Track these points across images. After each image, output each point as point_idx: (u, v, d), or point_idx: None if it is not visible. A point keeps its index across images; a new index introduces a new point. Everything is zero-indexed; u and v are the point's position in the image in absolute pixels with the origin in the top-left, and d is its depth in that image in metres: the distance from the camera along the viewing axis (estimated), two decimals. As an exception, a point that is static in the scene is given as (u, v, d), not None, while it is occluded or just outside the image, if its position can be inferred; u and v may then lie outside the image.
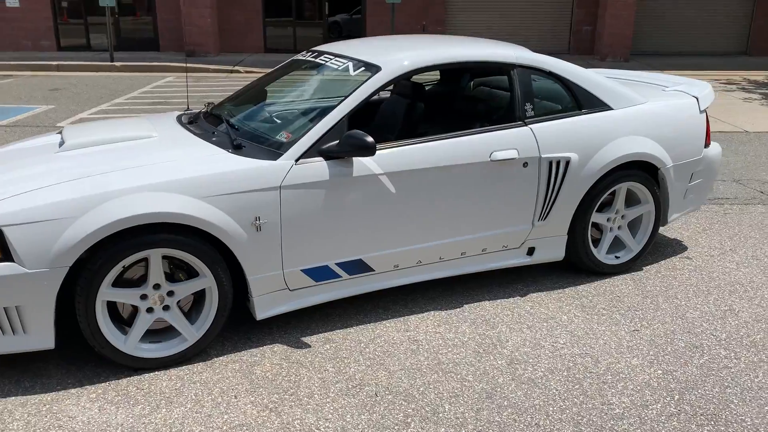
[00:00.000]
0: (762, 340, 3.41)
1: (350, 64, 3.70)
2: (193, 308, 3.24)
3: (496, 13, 16.92)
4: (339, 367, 3.13)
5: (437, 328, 3.50)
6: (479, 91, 4.51)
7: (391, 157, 3.38)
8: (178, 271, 3.13)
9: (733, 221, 5.18)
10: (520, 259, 3.93)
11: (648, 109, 4.09)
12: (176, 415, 2.77)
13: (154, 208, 2.88)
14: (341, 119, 3.32)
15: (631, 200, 4.22)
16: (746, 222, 5.17)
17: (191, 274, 3.14)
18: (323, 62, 3.90)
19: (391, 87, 4.16)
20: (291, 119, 3.46)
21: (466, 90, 4.62)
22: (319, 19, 16.61)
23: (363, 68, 3.59)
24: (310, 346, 3.31)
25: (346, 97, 3.40)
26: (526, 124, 3.73)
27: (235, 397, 2.89)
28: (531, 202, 3.77)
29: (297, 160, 3.21)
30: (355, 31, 16.83)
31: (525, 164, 3.69)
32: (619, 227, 4.19)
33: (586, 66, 14.61)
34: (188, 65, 13.79)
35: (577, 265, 4.15)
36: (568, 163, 3.78)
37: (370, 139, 3.19)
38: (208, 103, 4.17)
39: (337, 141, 3.25)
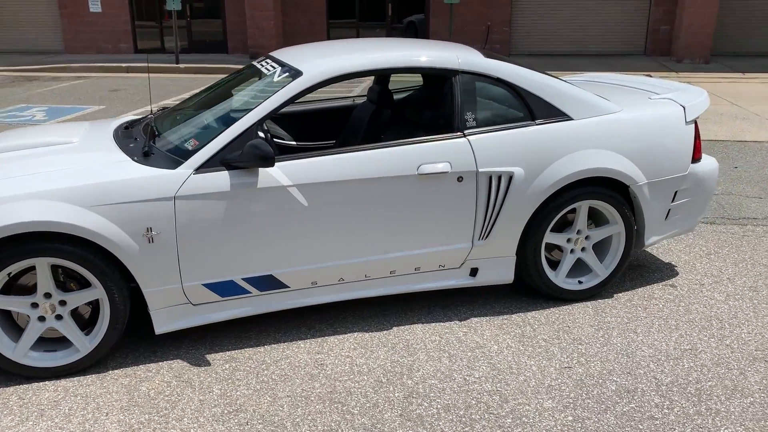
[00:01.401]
0: (710, 389, 2.97)
1: (279, 70, 3.54)
2: (93, 319, 3.18)
3: (566, 13, 16.21)
4: (226, 390, 2.98)
5: (351, 352, 3.27)
6: (429, 99, 4.24)
7: (303, 169, 3.20)
8: (70, 281, 3.09)
9: (748, 245, 4.61)
10: (462, 281, 3.63)
11: (617, 119, 3.68)
12: (39, 430, 2.71)
13: (36, 216, 2.83)
14: (249, 128, 3.17)
15: (601, 220, 3.82)
16: (764, 247, 4.59)
17: (84, 284, 3.08)
18: (262, 68, 3.76)
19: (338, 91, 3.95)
20: (204, 127, 3.34)
21: (417, 97, 4.36)
22: (382, 20, 16.52)
23: (287, 74, 3.42)
24: (209, 365, 3.18)
25: (257, 105, 3.24)
26: (464, 136, 3.44)
27: (106, 415, 2.80)
28: (469, 219, 3.47)
29: (197, 170, 3.08)
30: (422, 32, 16.61)
31: (460, 179, 3.40)
32: (582, 249, 3.80)
33: (660, 68, 13.73)
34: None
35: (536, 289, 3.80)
36: (511, 178, 3.45)
37: (269, 149, 3.02)
38: (162, 108, 4.13)
39: (240, 151, 3.11)
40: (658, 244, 4.63)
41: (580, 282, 3.82)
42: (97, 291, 3.03)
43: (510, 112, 3.58)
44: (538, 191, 3.49)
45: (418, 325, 3.54)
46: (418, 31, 16.51)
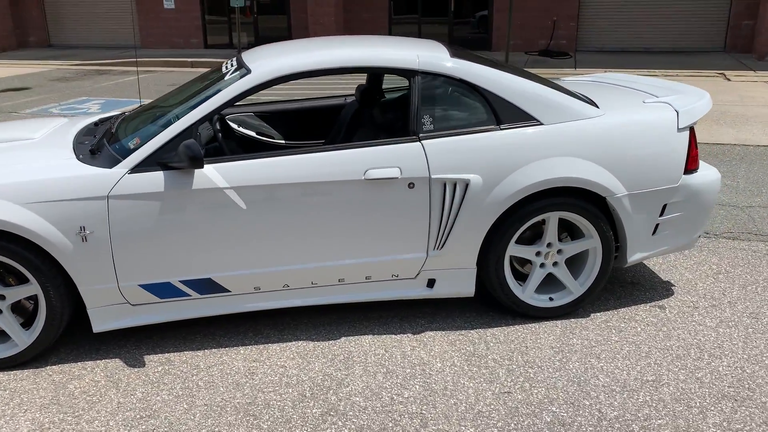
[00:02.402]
0: (657, 428, 2.66)
1: (232, 69, 3.47)
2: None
3: (639, 7, 15.39)
4: (148, 394, 2.94)
5: (288, 362, 3.17)
6: (395, 100, 4.07)
7: (242, 171, 3.11)
8: (9, 276, 3.13)
9: (767, 266, 4.17)
10: (419, 291, 3.44)
11: (594, 124, 3.38)
12: (-42, 422, 2.76)
13: (-32, 212, 2.89)
14: (187, 128, 3.11)
15: (579, 233, 3.54)
16: (783, 267, 4.14)
17: (23, 279, 3.12)
18: (224, 66, 3.70)
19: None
20: (151, 127, 3.31)
21: (392, 98, 4.19)
22: (445, 15, 16.24)
23: (237, 73, 3.34)
24: (144, 366, 3.16)
25: (198, 105, 3.18)
26: (419, 140, 3.25)
27: (24, 411, 2.82)
28: (422, 228, 3.29)
29: (133, 170, 3.06)
30: (486, 27, 16.23)
31: (411, 185, 3.22)
32: (554, 264, 3.53)
33: (738, 66, 12.82)
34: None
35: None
36: (467, 185, 3.24)
37: (198, 150, 2.96)
38: (139, 106, 4.15)
39: (175, 151, 3.06)
40: (658, 259, 4.27)
41: (551, 299, 3.55)
42: (33, 287, 3.06)
43: (473, 116, 3.35)
44: (497, 201, 3.26)
45: (368, 336, 3.39)
46: (489, 26, 16.11)
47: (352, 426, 2.70)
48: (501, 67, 3.58)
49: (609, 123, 3.40)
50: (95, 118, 4.01)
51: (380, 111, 3.92)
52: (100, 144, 3.32)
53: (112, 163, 3.10)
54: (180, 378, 3.05)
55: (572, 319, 3.54)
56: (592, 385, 2.95)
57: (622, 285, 3.95)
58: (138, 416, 2.78)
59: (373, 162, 3.19)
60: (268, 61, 3.30)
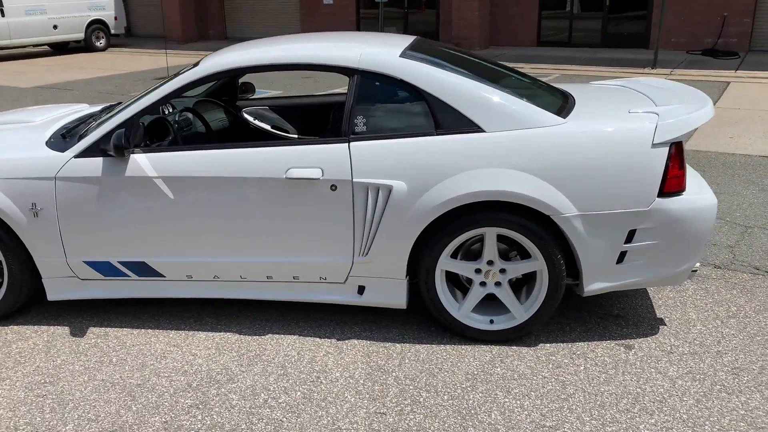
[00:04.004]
0: (508, 478, 2.36)
1: (192, 65, 3.59)
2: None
3: (832, 1, 13.26)
4: (65, 362, 3.17)
5: (202, 351, 3.24)
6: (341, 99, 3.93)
7: (171, 162, 3.23)
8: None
9: (803, 313, 3.48)
10: (349, 297, 3.34)
11: (545, 135, 3.03)
12: None
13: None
14: (129, 118, 3.28)
15: (526, 253, 3.21)
16: (822, 318, 3.42)
17: (-8, 248, 3.51)
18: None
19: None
20: (111, 115, 3.52)
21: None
22: (599, 10, 15.22)
23: (188, 68, 3.46)
24: (82, 337, 3.41)
25: (143, 96, 3.34)
26: (348, 141, 3.14)
27: (-37, 362, 3.19)
28: (346, 232, 3.18)
29: (79, 155, 3.30)
30: (642, 23, 14.97)
31: (333, 187, 3.12)
32: (497, 284, 3.23)
33: None
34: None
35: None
36: (390, 192, 3.07)
37: (118, 142, 3.12)
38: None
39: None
40: (667, 292, 3.72)
41: (491, 321, 3.26)
42: (-3, 255, 3.44)
43: (411, 120, 3.17)
44: (423, 210, 3.06)
45: (293, 337, 3.36)
46: (648, 23, 14.82)
47: (208, 422, 2.71)
48: (467, 66, 3.36)
49: (564, 134, 3.03)
50: (104, 105, 4.36)
51: (335, 109, 3.85)
52: (75, 130, 3.62)
53: (66, 147, 3.37)
54: (101, 352, 3.26)
55: (513, 347, 3.22)
56: (477, 421, 2.68)
57: (602, 317, 3.51)
58: (42, 381, 3.02)
59: (295, 161, 3.14)
60: (217, 57, 3.38)
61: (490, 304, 3.33)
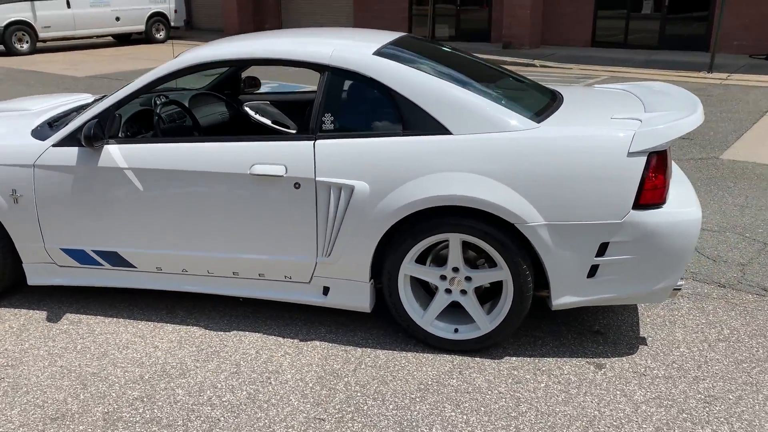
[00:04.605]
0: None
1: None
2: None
3: None
4: (32, 346, 3.24)
5: (164, 344, 3.25)
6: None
7: (140, 154, 3.25)
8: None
9: (802, 340, 3.22)
10: (313, 298, 3.28)
11: (514, 139, 2.90)
12: None
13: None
14: (104, 110, 3.31)
15: (492, 262, 3.08)
16: (822, 348, 3.16)
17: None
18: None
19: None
20: (90, 107, 3.57)
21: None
22: (658, 10, 14.62)
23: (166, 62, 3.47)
24: (56, 322, 3.47)
25: (122, 88, 3.36)
26: (314, 139, 3.09)
27: (-61, 341, 3.30)
28: (310, 231, 3.13)
29: (56, 144, 3.36)
30: (702, 25, 14.31)
31: (297, 185, 3.07)
32: (463, 291, 3.11)
33: None
34: (494, 57, 13.81)
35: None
36: (351, 192, 3.00)
37: (88, 132, 3.16)
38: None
39: (85, 131, 3.29)
40: (660, 310, 3.51)
41: (456, 330, 3.14)
42: (-21, 238, 3.54)
43: (379, 119, 3.09)
44: (385, 213, 2.97)
45: (257, 335, 3.33)
46: (709, 25, 14.20)
47: (147, 416, 2.71)
48: (451, 66, 3.27)
49: (534, 139, 2.89)
50: (99, 96, 4.44)
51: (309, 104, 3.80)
52: (64, 119, 3.69)
53: (47, 136, 3.44)
54: (69, 338, 3.31)
55: (476, 358, 3.10)
56: (413, 431, 2.58)
57: (580, 332, 3.34)
58: (4, 364, 3.09)
59: (260, 157, 3.11)
60: (194, 51, 3.38)
61: (457, 312, 3.22)
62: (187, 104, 4.12)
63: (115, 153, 3.27)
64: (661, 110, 3.11)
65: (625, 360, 3.09)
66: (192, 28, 22.76)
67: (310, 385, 2.91)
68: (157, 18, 19.14)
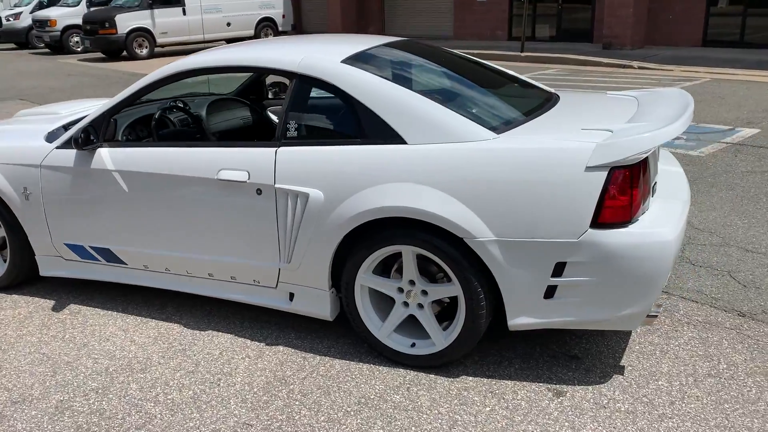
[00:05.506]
0: None
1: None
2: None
3: None
4: (25, 334, 3.49)
5: (142, 339, 3.40)
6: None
7: (124, 157, 3.42)
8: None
9: (809, 383, 2.85)
10: (280, 303, 3.31)
11: (467, 150, 2.77)
12: None
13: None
14: (99, 115, 3.51)
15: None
16: (830, 393, 2.77)
17: (-1, 224, 3.96)
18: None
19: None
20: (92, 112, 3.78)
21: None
22: (778, 6, 13.36)
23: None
24: (59, 312, 3.72)
25: (118, 95, 3.55)
26: (278, 146, 3.11)
27: (-45, 323, 3.64)
28: (272, 237, 3.15)
29: (60, 146, 3.61)
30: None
31: (259, 191, 3.11)
32: (419, 305, 3.02)
33: None
34: (591, 58, 13.22)
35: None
36: (307, 199, 2.99)
37: (77, 136, 3.38)
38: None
39: (88, 134, 3.50)
40: (652, 336, 3.22)
41: (413, 345, 3.05)
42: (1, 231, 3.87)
43: (340, 127, 3.07)
44: (338, 222, 2.94)
45: (229, 336, 3.40)
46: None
47: (94, 407, 2.85)
48: (424, 73, 3.21)
49: (488, 151, 2.75)
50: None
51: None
52: (73, 124, 3.95)
53: (55, 139, 3.70)
54: (62, 327, 3.54)
55: (431, 374, 3.00)
56: (334, 448, 2.54)
57: (554, 355, 3.13)
58: (-3, 348, 3.36)
59: (227, 163, 3.18)
60: (179, 60, 3.50)
61: (420, 326, 3.12)
62: (204, 110, 4.27)
63: (105, 156, 3.46)
64: (643, 121, 2.86)
65: (590, 389, 2.86)
66: (300, 33, 23.55)
67: (255, 390, 2.93)
68: (266, 23, 19.97)
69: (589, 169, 2.62)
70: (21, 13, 22.47)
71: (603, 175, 2.61)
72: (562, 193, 2.64)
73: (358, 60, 3.18)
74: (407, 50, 3.59)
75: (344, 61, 3.13)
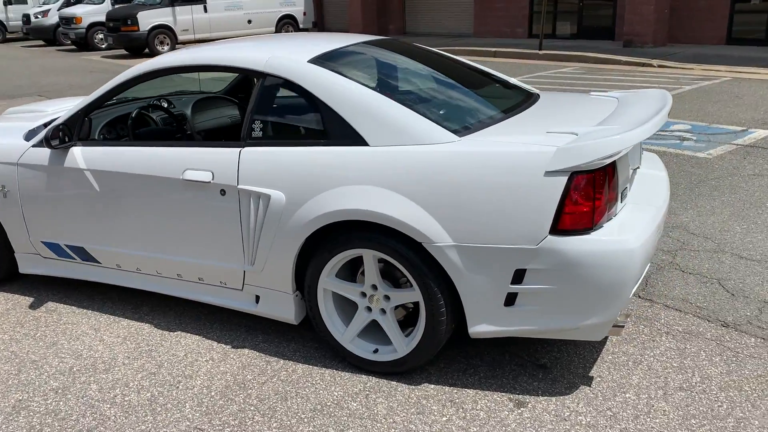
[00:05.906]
0: None
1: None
2: None
3: None
4: None
5: (111, 338, 3.39)
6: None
7: (95, 155, 3.41)
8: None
9: (785, 399, 2.73)
10: (246, 305, 3.27)
11: (425, 153, 2.70)
12: None
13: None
14: (74, 114, 3.51)
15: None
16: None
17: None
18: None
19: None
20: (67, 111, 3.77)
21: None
22: (806, 3, 12.95)
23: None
24: (36, 309, 3.74)
25: (90, 95, 3.55)
26: (242, 146, 3.07)
27: (-66, 319, 3.68)
28: (236, 238, 3.12)
29: (36, 145, 3.62)
30: None
31: (223, 192, 3.08)
32: (382, 311, 2.96)
33: None
34: (609, 56, 12.98)
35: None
36: (269, 201, 2.95)
37: (47, 134, 3.37)
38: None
39: (62, 132, 3.51)
40: (628, 345, 3.11)
41: (376, 351, 2.99)
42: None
43: (304, 128, 3.01)
44: (299, 224, 2.89)
45: (197, 337, 3.38)
46: None
47: (51, 407, 2.84)
48: (398, 72, 3.15)
49: (448, 154, 2.67)
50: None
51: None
52: (50, 121, 3.96)
53: (32, 137, 3.72)
54: (35, 326, 3.55)
55: (393, 382, 2.93)
56: (281, 456, 2.49)
57: (521, 364, 3.05)
58: (-31, 345, 3.39)
59: (192, 163, 3.15)
60: (149, 60, 3.48)
61: (382, 332, 3.06)
62: (190, 108, 4.26)
63: (78, 155, 3.46)
64: (614, 123, 2.76)
65: (553, 400, 2.77)
66: (321, 30, 23.56)
67: (212, 394, 2.90)
68: (287, 20, 20.02)
69: (548, 173, 2.53)
70: (49, 10, 22.86)
71: (563, 180, 2.52)
72: (521, 198, 2.55)
73: (327, 59, 3.13)
74: (387, 49, 3.53)
75: (311, 61, 3.08)
